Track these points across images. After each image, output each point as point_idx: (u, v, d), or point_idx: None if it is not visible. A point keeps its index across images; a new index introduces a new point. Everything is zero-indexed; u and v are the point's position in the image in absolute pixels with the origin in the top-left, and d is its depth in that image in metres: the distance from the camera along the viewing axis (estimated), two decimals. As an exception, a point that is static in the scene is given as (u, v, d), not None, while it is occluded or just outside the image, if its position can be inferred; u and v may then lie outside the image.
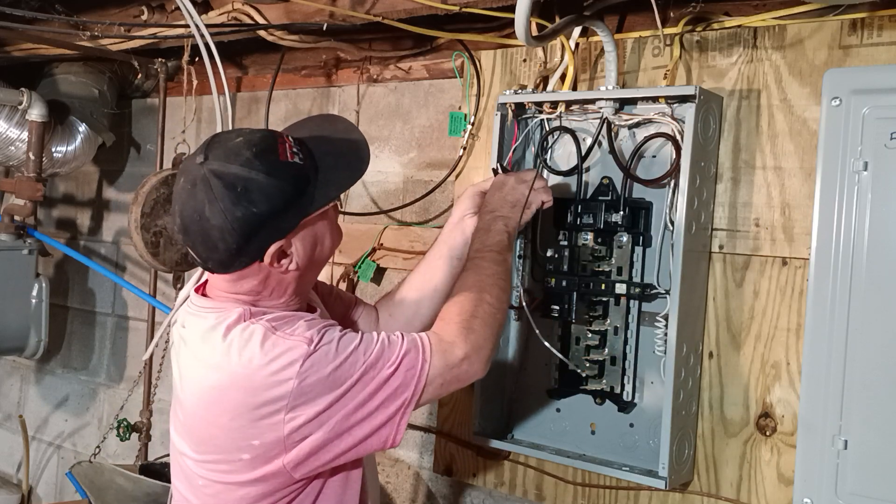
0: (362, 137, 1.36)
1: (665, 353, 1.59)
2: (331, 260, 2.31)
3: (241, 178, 1.22)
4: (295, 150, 1.27)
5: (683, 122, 1.59)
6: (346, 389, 1.22)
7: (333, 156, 1.31)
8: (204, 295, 1.37)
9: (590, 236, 1.71)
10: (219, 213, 1.22)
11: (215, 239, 1.24)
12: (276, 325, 1.26)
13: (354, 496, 1.38)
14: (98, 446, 2.59)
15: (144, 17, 2.32)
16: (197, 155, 1.26)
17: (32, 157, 2.63)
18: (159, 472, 2.30)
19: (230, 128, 2.34)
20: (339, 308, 1.62)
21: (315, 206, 1.27)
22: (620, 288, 1.64)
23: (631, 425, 1.70)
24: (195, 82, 2.51)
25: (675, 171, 1.59)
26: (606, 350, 1.71)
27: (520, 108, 1.80)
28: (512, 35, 1.87)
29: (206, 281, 1.39)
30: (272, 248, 1.26)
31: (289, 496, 1.31)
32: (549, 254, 1.73)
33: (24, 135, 2.66)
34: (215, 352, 1.27)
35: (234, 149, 1.25)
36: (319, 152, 1.30)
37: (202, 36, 2.04)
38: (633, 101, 1.68)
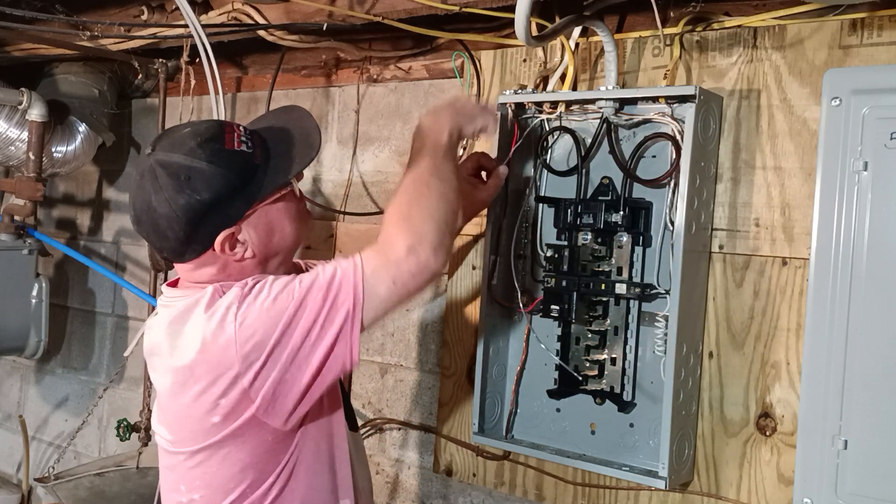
0: (314, 124, 1.37)
1: (665, 353, 1.59)
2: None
3: (183, 167, 1.24)
4: (244, 139, 1.28)
5: (683, 122, 1.59)
6: (288, 320, 1.22)
7: (285, 143, 1.32)
8: (174, 287, 1.39)
9: (590, 236, 1.71)
10: (164, 202, 1.24)
11: (164, 228, 1.26)
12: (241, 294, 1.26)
13: (346, 482, 1.39)
14: (52, 466, 2.60)
15: (144, 17, 2.32)
16: (146, 147, 1.31)
17: (32, 157, 2.63)
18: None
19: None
20: None
21: (263, 192, 1.28)
22: (620, 288, 1.64)
23: (631, 425, 1.70)
24: (194, 82, 2.51)
25: (675, 171, 1.59)
26: (606, 350, 1.71)
27: (520, 108, 1.80)
28: (512, 35, 1.87)
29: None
30: (221, 236, 1.27)
31: (274, 469, 1.32)
32: (549, 254, 1.73)
33: (24, 135, 2.66)
34: (183, 335, 1.29)
35: (180, 139, 1.27)
36: (273, 141, 1.32)
37: (199, 36, 2.04)
38: (633, 101, 1.68)
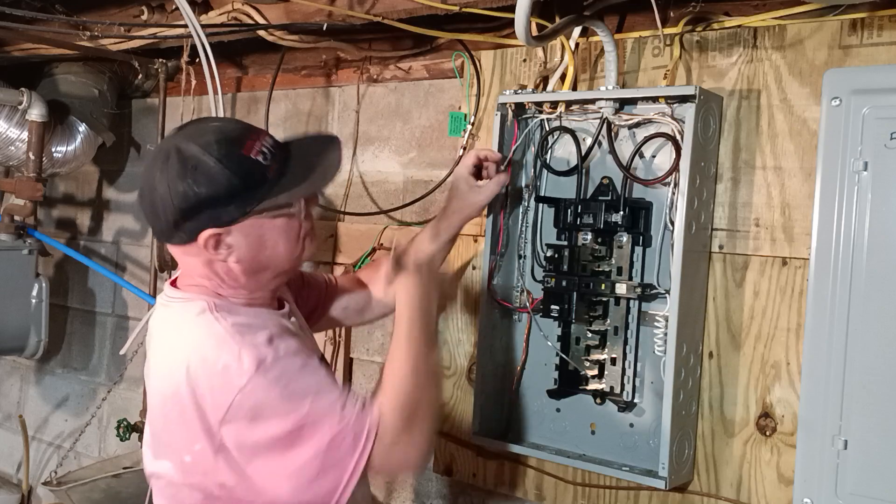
0: (338, 159, 1.37)
1: (665, 353, 1.59)
2: (330, 260, 2.32)
3: (193, 158, 1.24)
4: (265, 149, 1.27)
5: (683, 122, 1.59)
6: (276, 424, 1.21)
7: (303, 169, 1.31)
8: (175, 286, 1.39)
9: (590, 236, 1.71)
10: (164, 184, 1.25)
11: (158, 208, 1.27)
12: (240, 329, 1.26)
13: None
14: (55, 470, 2.59)
15: (144, 17, 2.32)
16: (175, 129, 1.32)
17: (32, 157, 2.63)
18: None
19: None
20: (311, 299, 1.64)
21: (262, 206, 1.27)
22: (620, 288, 1.64)
23: (631, 425, 1.70)
24: (194, 82, 2.51)
25: (674, 171, 1.59)
26: (606, 350, 1.71)
27: (520, 108, 1.80)
28: (512, 35, 1.87)
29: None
30: (206, 233, 1.26)
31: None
32: (549, 254, 1.73)
33: (24, 135, 2.66)
34: (174, 345, 1.30)
35: (203, 130, 1.28)
36: (295, 162, 1.31)
37: (199, 36, 2.04)
38: (633, 101, 1.68)
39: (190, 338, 1.29)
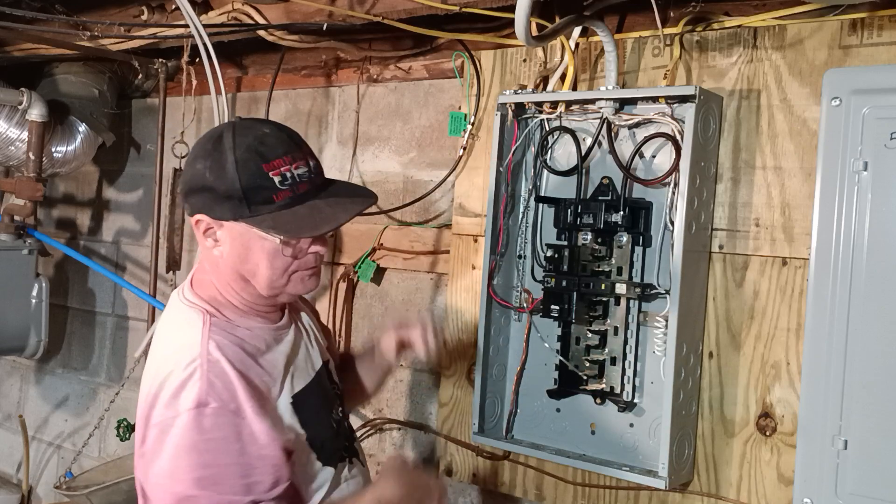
0: (347, 217, 1.32)
1: (665, 353, 1.59)
2: (330, 260, 2.32)
3: (221, 147, 1.26)
4: (289, 175, 1.26)
5: (683, 122, 1.59)
6: (167, 472, 1.22)
7: (311, 210, 1.28)
8: (192, 284, 1.39)
9: (590, 236, 1.71)
10: (194, 153, 1.31)
11: (183, 174, 1.34)
12: (215, 359, 1.25)
13: None
14: (64, 476, 2.58)
15: (144, 17, 2.32)
16: (243, 118, 1.35)
17: (32, 157, 2.63)
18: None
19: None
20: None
21: (248, 220, 1.26)
22: (620, 288, 1.64)
23: (631, 425, 1.70)
24: (195, 82, 2.51)
25: (674, 171, 1.59)
26: (606, 350, 1.71)
27: (520, 108, 1.80)
28: (512, 35, 1.87)
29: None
30: (200, 216, 1.29)
31: None
32: (549, 254, 1.73)
33: (24, 135, 2.66)
34: (163, 351, 1.32)
35: (252, 130, 1.29)
36: (312, 201, 1.29)
37: (200, 36, 2.04)
38: (633, 101, 1.68)
39: (173, 347, 1.30)
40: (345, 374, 1.60)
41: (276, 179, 1.25)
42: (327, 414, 1.42)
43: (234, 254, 1.30)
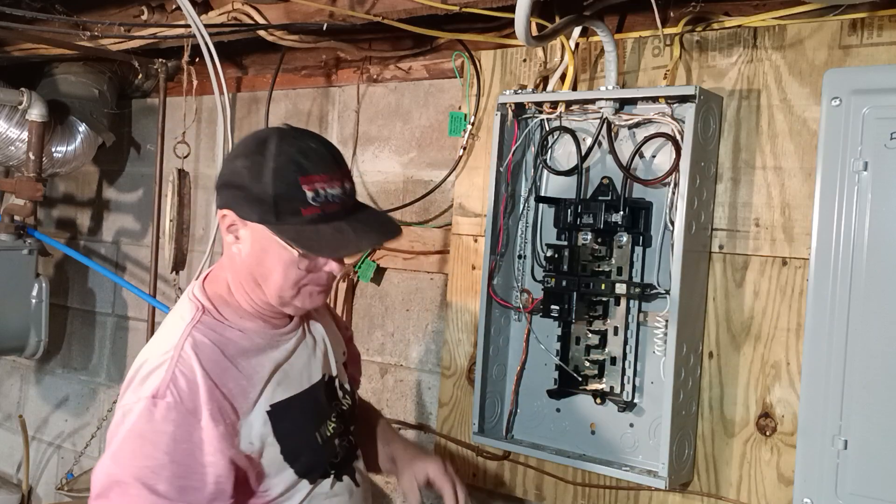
0: (365, 245, 1.38)
1: (665, 353, 1.59)
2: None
3: (265, 151, 1.26)
4: (324, 193, 1.26)
5: (683, 122, 1.59)
6: (108, 456, 1.22)
7: (336, 231, 1.28)
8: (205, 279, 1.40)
9: (590, 236, 1.71)
10: (238, 148, 1.33)
11: (223, 167, 1.35)
12: (186, 356, 1.25)
13: None
14: (65, 478, 2.57)
15: (144, 17, 2.32)
16: (292, 127, 1.35)
17: (32, 157, 2.63)
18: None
19: (229, 127, 2.35)
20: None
21: (273, 227, 1.26)
22: (620, 288, 1.64)
23: (631, 425, 1.70)
24: (195, 82, 2.51)
25: (674, 171, 1.59)
26: (606, 350, 1.71)
27: (520, 108, 1.80)
28: (512, 35, 1.87)
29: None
30: (227, 211, 1.29)
31: None
32: (549, 254, 1.73)
33: (24, 135, 2.66)
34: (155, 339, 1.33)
35: (298, 140, 1.28)
36: (340, 222, 1.28)
37: (202, 36, 2.04)
38: (633, 101, 1.68)
39: (161, 337, 1.31)
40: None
41: (309, 194, 1.25)
42: (312, 428, 1.39)
43: (252, 255, 1.30)
